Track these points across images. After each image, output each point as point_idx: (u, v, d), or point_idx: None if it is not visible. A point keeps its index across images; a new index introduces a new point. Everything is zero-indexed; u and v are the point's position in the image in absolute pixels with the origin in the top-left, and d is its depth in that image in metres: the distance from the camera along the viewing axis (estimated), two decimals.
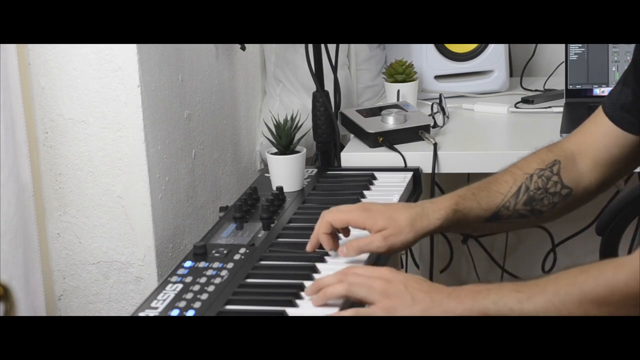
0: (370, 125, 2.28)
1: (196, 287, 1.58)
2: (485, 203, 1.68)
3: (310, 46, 2.30)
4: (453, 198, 1.67)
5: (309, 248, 1.68)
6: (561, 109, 2.44)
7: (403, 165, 2.18)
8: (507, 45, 2.72)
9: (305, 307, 1.51)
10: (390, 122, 2.27)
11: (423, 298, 1.44)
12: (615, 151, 1.66)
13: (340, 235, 1.70)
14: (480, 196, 1.68)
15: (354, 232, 1.70)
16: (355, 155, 2.25)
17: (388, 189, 2.04)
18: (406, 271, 2.68)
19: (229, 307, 1.53)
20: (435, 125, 2.33)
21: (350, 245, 1.64)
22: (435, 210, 1.65)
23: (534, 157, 1.72)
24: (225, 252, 1.71)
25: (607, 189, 1.74)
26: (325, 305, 1.49)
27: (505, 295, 1.40)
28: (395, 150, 2.21)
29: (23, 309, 1.73)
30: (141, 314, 1.51)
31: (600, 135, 1.67)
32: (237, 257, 1.69)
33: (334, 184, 2.10)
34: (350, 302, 1.52)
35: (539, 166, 1.70)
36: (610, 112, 1.66)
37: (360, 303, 1.48)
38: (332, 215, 1.65)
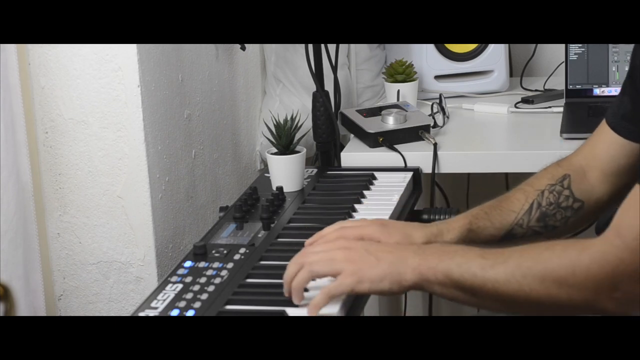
0: (370, 125, 2.28)
1: (196, 287, 1.58)
2: (499, 222, 1.68)
3: (310, 46, 2.30)
4: (467, 218, 1.67)
5: None
6: (561, 109, 2.44)
7: (403, 165, 2.18)
8: (507, 45, 2.72)
9: (306, 307, 1.51)
10: (390, 122, 2.27)
11: (387, 257, 1.46)
12: (623, 161, 1.66)
13: None
14: (492, 215, 1.68)
15: None
16: (355, 155, 2.25)
17: (388, 189, 2.04)
18: None
19: (229, 307, 1.53)
20: (435, 125, 2.33)
21: None
22: (449, 230, 1.64)
23: (544, 173, 1.73)
24: (225, 252, 1.71)
25: (620, 200, 1.75)
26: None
27: (471, 259, 1.42)
28: (395, 150, 2.21)
29: (23, 309, 1.73)
30: (141, 314, 1.51)
31: (606, 146, 1.67)
32: (237, 257, 1.69)
33: (334, 184, 2.10)
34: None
35: (549, 182, 1.70)
36: (613, 122, 1.66)
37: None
38: (347, 231, 1.61)
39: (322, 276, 1.49)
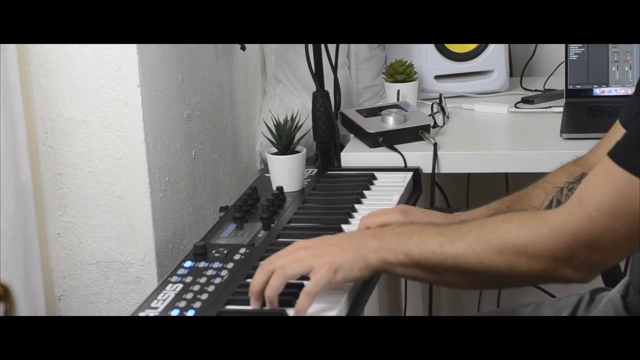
0: (370, 125, 2.28)
1: (196, 287, 1.58)
2: None
3: (310, 46, 2.30)
4: (489, 211, 1.68)
5: None
6: (561, 109, 2.44)
7: (403, 165, 2.18)
8: (507, 45, 2.72)
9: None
10: (390, 122, 2.27)
11: (349, 244, 1.48)
12: None
13: None
14: (514, 210, 1.68)
15: None
16: (355, 155, 2.25)
17: (388, 189, 2.04)
18: None
19: (229, 307, 1.53)
20: (435, 125, 2.33)
21: None
22: None
23: (562, 171, 1.74)
24: (225, 252, 1.71)
25: None
26: (325, 304, 1.50)
27: (428, 237, 1.43)
28: (395, 150, 2.21)
29: (23, 309, 1.73)
30: (141, 314, 1.51)
31: None
32: (237, 257, 1.69)
33: (334, 184, 2.10)
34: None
35: (568, 179, 1.71)
36: (627, 122, 1.66)
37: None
38: (370, 219, 1.66)
39: (296, 277, 1.49)
